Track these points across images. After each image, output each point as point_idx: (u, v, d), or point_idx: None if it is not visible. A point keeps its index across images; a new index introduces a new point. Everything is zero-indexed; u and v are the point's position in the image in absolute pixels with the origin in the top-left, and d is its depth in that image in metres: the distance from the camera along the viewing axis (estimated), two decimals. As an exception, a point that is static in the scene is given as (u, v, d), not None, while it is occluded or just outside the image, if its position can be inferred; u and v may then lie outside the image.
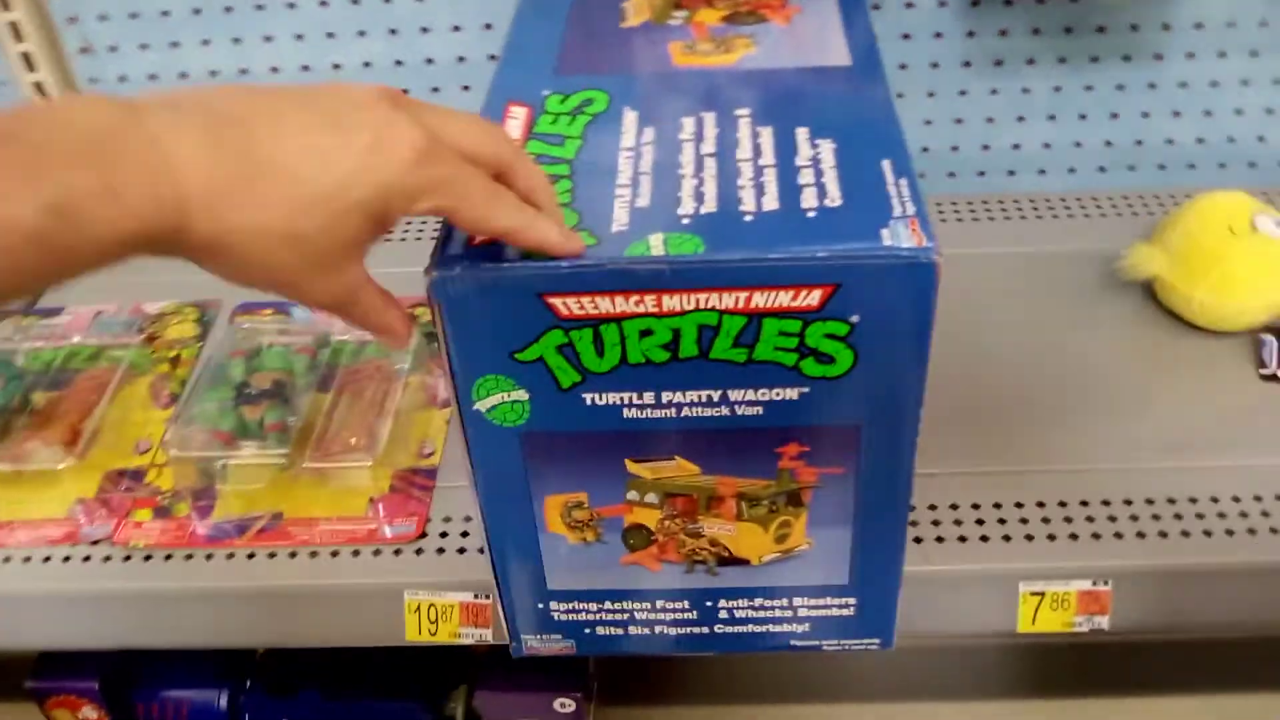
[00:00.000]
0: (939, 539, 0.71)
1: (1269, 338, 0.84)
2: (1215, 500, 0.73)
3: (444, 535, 0.74)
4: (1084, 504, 0.73)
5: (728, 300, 0.49)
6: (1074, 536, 0.71)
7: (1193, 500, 0.73)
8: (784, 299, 0.49)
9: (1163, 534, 0.71)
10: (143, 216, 0.40)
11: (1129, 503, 0.73)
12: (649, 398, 0.53)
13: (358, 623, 0.73)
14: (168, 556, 0.74)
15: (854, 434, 0.55)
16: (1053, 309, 0.91)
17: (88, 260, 0.39)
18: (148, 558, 0.74)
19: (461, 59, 1.05)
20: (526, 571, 0.63)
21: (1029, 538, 0.71)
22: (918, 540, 0.71)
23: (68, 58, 1.07)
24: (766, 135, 0.57)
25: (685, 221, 0.50)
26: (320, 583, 0.72)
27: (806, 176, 0.53)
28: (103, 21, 1.04)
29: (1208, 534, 0.70)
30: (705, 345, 0.51)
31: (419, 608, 0.71)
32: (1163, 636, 0.71)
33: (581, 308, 0.50)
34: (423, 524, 0.74)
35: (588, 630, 0.66)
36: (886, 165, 0.54)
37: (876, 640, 0.66)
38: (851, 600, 0.64)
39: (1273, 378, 0.82)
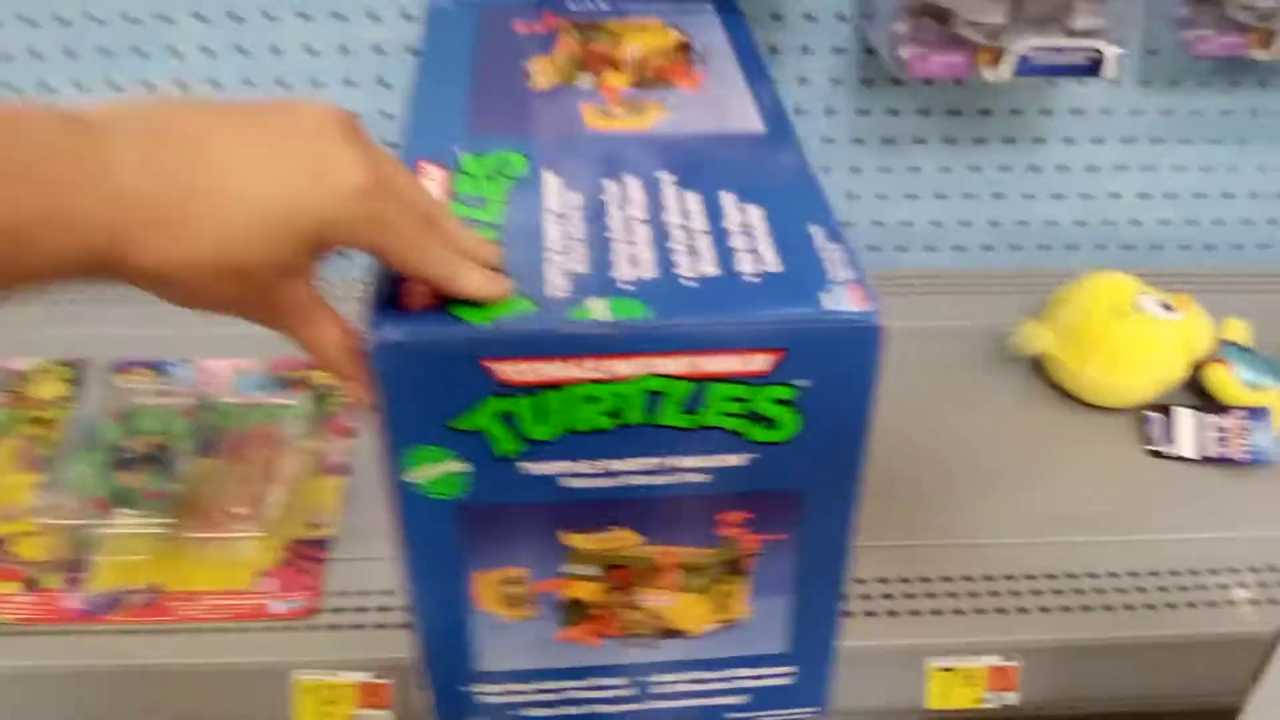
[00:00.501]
0: (846, 613, 0.71)
1: (1154, 415, 0.87)
2: (1113, 575, 0.74)
3: (338, 611, 0.70)
4: (988, 578, 0.73)
5: (675, 365, 0.48)
6: (980, 611, 0.71)
7: (1092, 575, 0.74)
8: (733, 364, 0.48)
9: (1065, 608, 0.72)
10: (88, 245, 0.38)
11: (1031, 577, 0.74)
12: (591, 466, 0.51)
13: (244, 705, 0.68)
14: (35, 632, 0.68)
15: (796, 499, 0.54)
16: (944, 384, 0.92)
17: (29, 280, 0.38)
18: (14, 633, 0.68)
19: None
20: (453, 652, 0.60)
21: (935, 612, 0.71)
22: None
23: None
24: (694, 200, 0.56)
25: (625, 286, 0.49)
26: (202, 661, 0.67)
27: (739, 241, 0.53)
28: (-31, 58, 0.98)
29: (1108, 609, 0.71)
30: (651, 412, 0.49)
31: (312, 689, 0.67)
32: (1067, 710, 0.72)
33: (522, 374, 0.47)
34: (315, 598, 0.70)
35: (518, 714, 0.63)
36: (816, 230, 0.53)
37: (816, 708, 0.65)
38: (791, 668, 0.62)
39: (1158, 454, 0.85)
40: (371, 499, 0.70)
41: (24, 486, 0.77)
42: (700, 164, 0.60)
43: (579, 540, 0.55)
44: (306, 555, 0.73)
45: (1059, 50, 0.90)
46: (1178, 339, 0.89)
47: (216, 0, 0.97)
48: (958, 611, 0.71)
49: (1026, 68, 0.89)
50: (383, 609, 0.70)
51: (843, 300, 0.48)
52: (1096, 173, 1.10)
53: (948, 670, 0.69)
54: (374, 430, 0.49)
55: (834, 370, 0.49)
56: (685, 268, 0.50)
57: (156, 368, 0.88)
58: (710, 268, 0.51)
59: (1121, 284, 0.92)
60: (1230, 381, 0.88)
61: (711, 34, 0.78)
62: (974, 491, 0.81)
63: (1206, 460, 0.84)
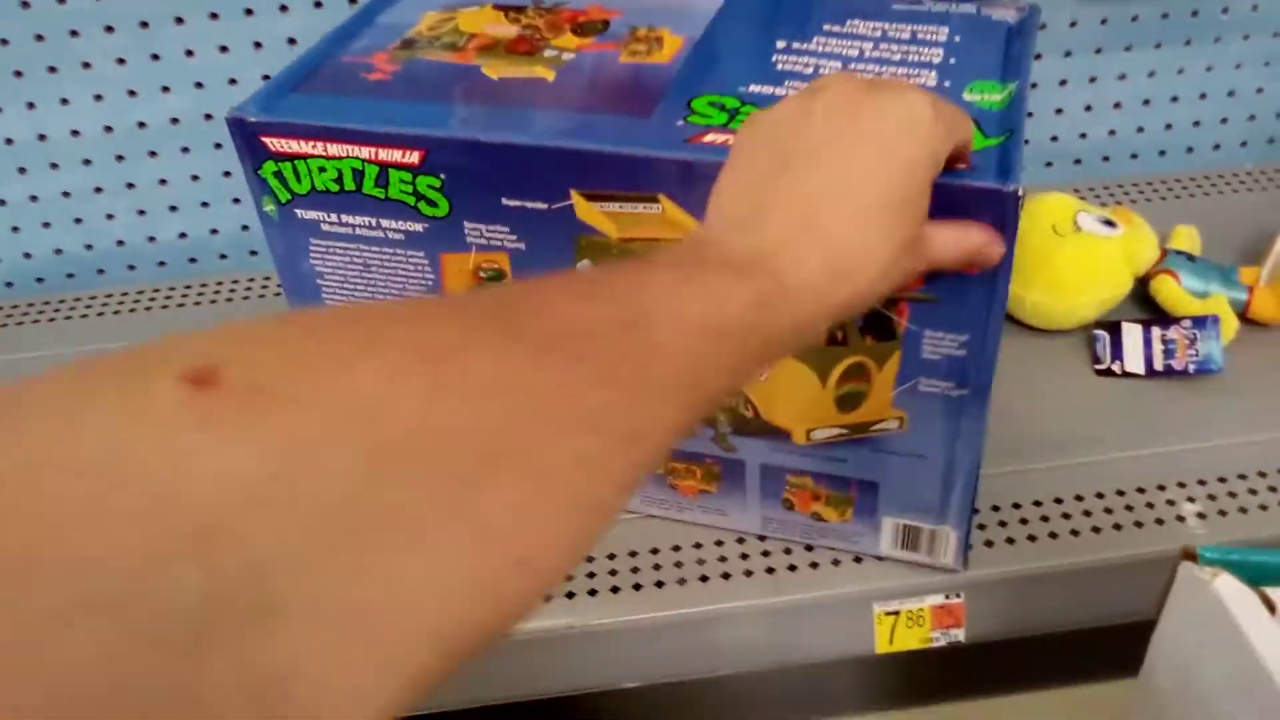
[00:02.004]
0: (791, 567, 0.70)
1: (1101, 333, 0.86)
2: (1059, 501, 0.73)
3: None
4: (932, 516, 0.72)
5: None
6: (924, 551, 0.70)
7: (1037, 503, 0.73)
8: None
9: (1010, 540, 0.71)
10: (808, 303, 0.40)
11: (975, 510, 0.73)
12: None
13: None
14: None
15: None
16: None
17: (778, 347, 0.39)
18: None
19: (277, 109, 1.01)
20: None
21: (878, 557, 0.70)
22: (769, 571, 0.70)
23: None
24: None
25: None
26: None
27: None
28: (-117, 93, 0.98)
29: (1053, 536, 0.70)
30: None
31: None
32: (1015, 637, 0.71)
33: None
34: None
35: None
36: None
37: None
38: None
39: (1108, 372, 0.83)
40: None
41: None
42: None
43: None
44: None
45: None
46: (1120, 255, 0.87)
47: (125, 9, 0.95)
48: (901, 553, 0.70)
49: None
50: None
51: None
52: (1038, 90, 1.07)
53: (893, 614, 0.68)
54: None
55: None
56: None
57: None
58: None
59: (1061, 204, 0.90)
60: (1177, 292, 0.86)
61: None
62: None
63: (1154, 374, 0.82)
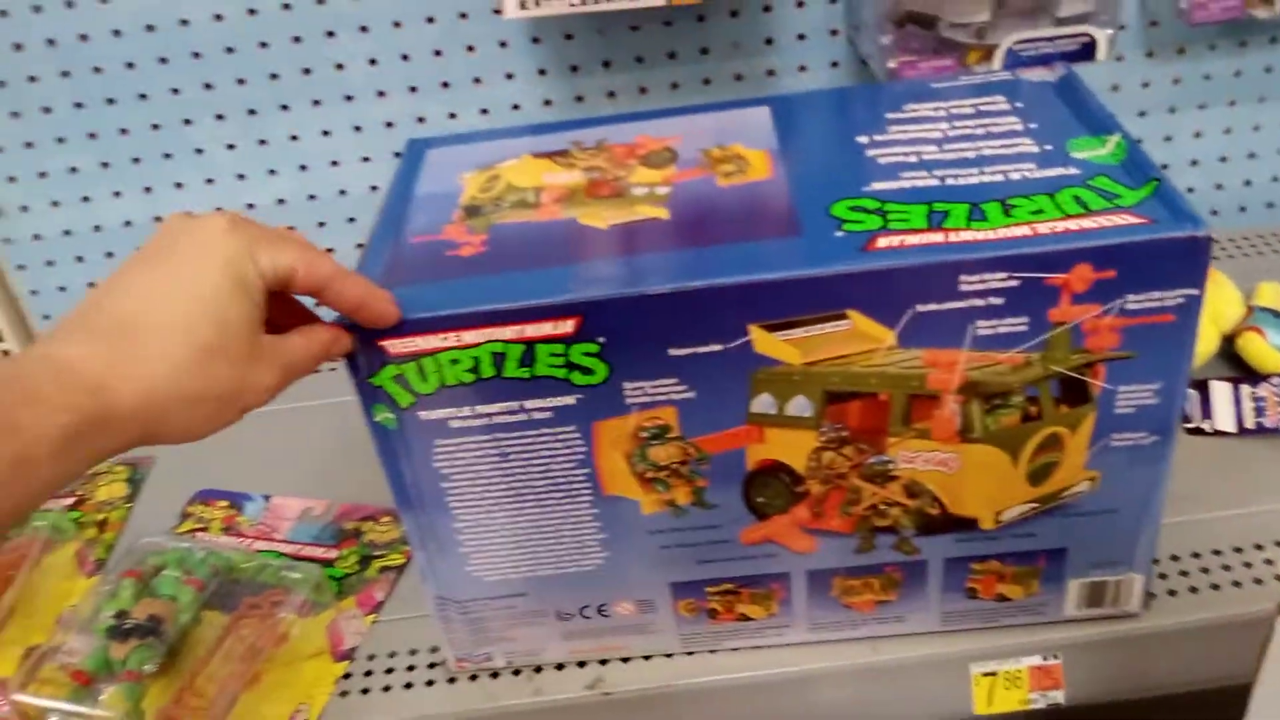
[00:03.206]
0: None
1: (1191, 392, 0.86)
2: (1155, 561, 0.73)
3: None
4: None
5: None
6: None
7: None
8: None
9: (1107, 600, 0.71)
10: (67, 415, 0.43)
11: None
12: None
13: None
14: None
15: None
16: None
17: (46, 480, 0.42)
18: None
19: (374, 188, 1.06)
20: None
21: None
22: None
23: (-22, 221, 1.06)
24: None
25: None
26: None
27: None
28: (12, 183, 1.04)
29: (1150, 596, 0.71)
30: None
31: None
32: (1118, 699, 0.71)
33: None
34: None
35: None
36: None
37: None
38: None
39: (1198, 431, 0.84)
40: (374, 692, 0.71)
41: (82, 590, 0.80)
42: None
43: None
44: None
45: (1049, 39, 0.90)
46: (1205, 313, 0.86)
47: (235, 97, 1.01)
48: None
49: (1016, 60, 0.89)
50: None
51: None
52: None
53: (990, 675, 0.69)
54: None
55: None
56: None
57: (233, 500, 0.89)
58: None
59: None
60: (1265, 349, 0.86)
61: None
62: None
63: (1246, 432, 0.82)
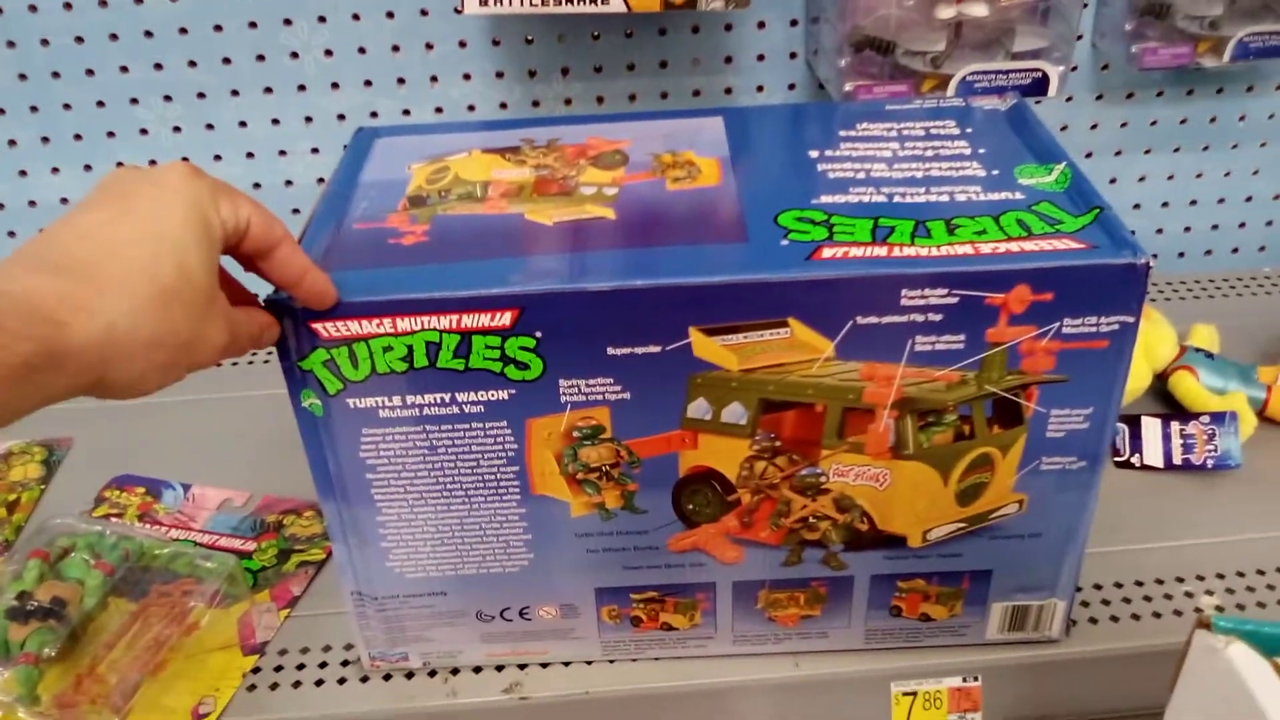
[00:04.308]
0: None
1: (1121, 426, 0.87)
2: (1078, 589, 0.73)
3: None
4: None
5: None
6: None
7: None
8: None
9: (1029, 626, 0.71)
10: (29, 344, 0.41)
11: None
12: None
13: None
14: None
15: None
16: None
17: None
18: None
19: (321, 180, 1.05)
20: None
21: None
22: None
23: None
24: None
25: None
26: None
27: None
28: (-54, 152, 1.02)
29: (1072, 622, 0.71)
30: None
31: None
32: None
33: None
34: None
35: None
36: None
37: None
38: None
39: (1127, 464, 0.85)
40: (284, 688, 0.69)
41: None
42: None
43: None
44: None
45: (1004, 73, 0.92)
46: (1140, 350, 0.89)
47: (185, 80, 0.99)
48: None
49: (969, 91, 0.90)
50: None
51: None
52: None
53: (910, 694, 0.69)
54: None
55: None
56: None
57: (150, 487, 0.87)
58: None
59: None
60: (1196, 388, 0.88)
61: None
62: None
63: (1173, 468, 0.83)
